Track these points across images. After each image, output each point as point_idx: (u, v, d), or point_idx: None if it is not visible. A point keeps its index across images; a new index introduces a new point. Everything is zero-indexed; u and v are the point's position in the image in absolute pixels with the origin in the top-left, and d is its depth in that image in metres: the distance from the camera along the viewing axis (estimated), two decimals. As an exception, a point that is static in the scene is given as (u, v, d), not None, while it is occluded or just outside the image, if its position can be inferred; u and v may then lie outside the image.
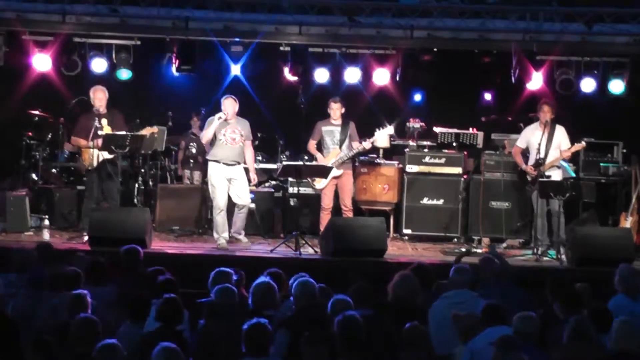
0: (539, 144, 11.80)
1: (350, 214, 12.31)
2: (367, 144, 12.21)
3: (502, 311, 6.88)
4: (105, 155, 11.81)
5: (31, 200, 12.75)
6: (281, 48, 13.24)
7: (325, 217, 12.17)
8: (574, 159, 12.70)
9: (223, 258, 10.81)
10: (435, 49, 13.19)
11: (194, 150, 13.73)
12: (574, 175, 12.48)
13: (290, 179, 13.04)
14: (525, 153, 12.19)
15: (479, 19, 12.86)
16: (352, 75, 13.46)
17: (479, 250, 12.15)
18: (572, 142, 12.00)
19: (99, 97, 11.95)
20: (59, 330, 6.41)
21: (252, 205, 12.75)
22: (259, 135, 13.55)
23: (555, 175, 11.91)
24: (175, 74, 13.35)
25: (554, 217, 11.80)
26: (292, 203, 13.11)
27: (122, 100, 13.30)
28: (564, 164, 12.17)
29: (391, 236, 12.86)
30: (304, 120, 12.75)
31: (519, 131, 13.24)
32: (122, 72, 13.56)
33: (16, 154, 13.48)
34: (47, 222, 12.16)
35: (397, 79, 13.41)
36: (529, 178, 12.05)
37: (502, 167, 12.91)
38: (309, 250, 11.43)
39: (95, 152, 11.78)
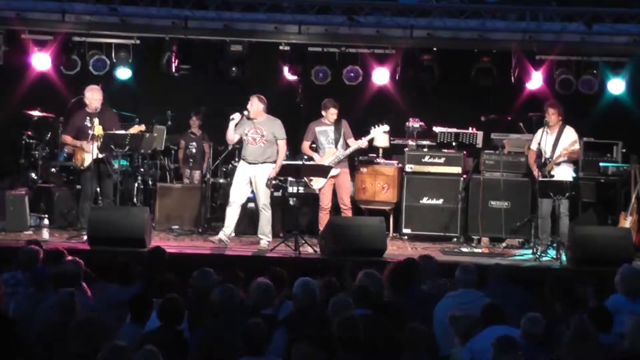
0: (545, 145, 11.82)
1: (349, 213, 12.30)
2: (362, 142, 12.20)
3: (502, 310, 6.88)
4: (96, 155, 11.80)
5: (30, 200, 12.74)
6: (281, 47, 13.25)
7: (324, 217, 12.16)
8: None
9: (222, 257, 10.83)
10: (434, 49, 13.20)
11: (193, 150, 13.74)
12: (574, 175, 12.48)
13: (289, 179, 13.02)
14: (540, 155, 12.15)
15: (479, 19, 12.87)
16: (351, 74, 13.45)
17: (479, 250, 12.20)
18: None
19: (95, 97, 11.93)
20: (58, 330, 6.42)
21: (252, 205, 12.73)
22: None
23: (562, 174, 11.88)
24: (175, 73, 13.36)
25: (560, 217, 11.80)
26: (291, 203, 13.11)
27: (121, 100, 13.32)
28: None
29: (391, 236, 12.86)
30: (304, 119, 12.75)
31: (518, 131, 13.29)
32: (121, 71, 13.58)
33: (16, 153, 13.49)
34: (46, 221, 12.16)
35: (397, 78, 13.42)
36: (536, 178, 12.03)
37: (502, 167, 12.91)
38: (308, 250, 11.43)
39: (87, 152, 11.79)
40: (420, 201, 13.07)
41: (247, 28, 13.08)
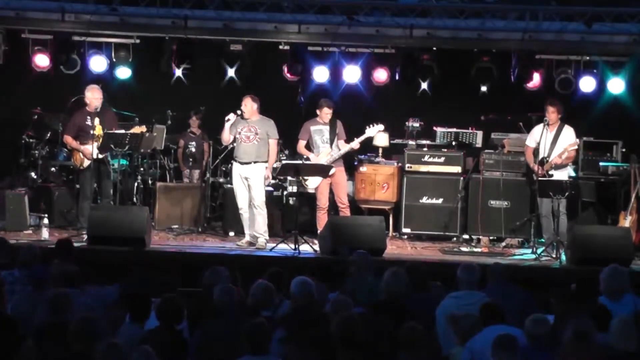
0: (544, 143, 11.82)
1: (347, 211, 12.30)
2: (354, 144, 12.20)
3: (501, 310, 6.87)
4: (97, 155, 11.79)
5: (30, 199, 12.74)
6: (280, 47, 13.24)
7: (321, 217, 12.16)
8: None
9: (222, 257, 10.83)
10: (434, 48, 13.20)
11: (193, 149, 13.73)
12: (573, 174, 12.49)
13: (289, 178, 13.02)
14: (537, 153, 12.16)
15: (479, 19, 12.86)
16: (351, 74, 13.46)
17: (478, 250, 12.21)
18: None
19: (96, 96, 11.93)
20: (57, 329, 6.41)
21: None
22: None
23: (560, 174, 11.89)
24: (176, 72, 13.36)
25: (558, 216, 11.80)
26: (291, 202, 13.10)
27: (120, 99, 13.32)
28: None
29: (390, 235, 12.86)
30: (303, 119, 12.75)
31: (518, 130, 13.28)
32: (121, 71, 13.58)
33: (15, 153, 13.48)
34: (46, 220, 12.15)
35: (397, 78, 13.42)
36: (534, 177, 12.04)
37: (502, 166, 12.91)
38: (308, 249, 11.43)
39: (89, 149, 11.76)
40: (420, 201, 13.07)
41: (246, 27, 13.08)
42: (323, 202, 12.28)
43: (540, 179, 11.74)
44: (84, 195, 12.04)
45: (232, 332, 6.47)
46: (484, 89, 13.38)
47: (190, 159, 13.77)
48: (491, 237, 12.85)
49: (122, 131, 11.84)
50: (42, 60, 13.26)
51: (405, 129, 13.48)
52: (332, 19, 12.92)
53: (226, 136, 11.87)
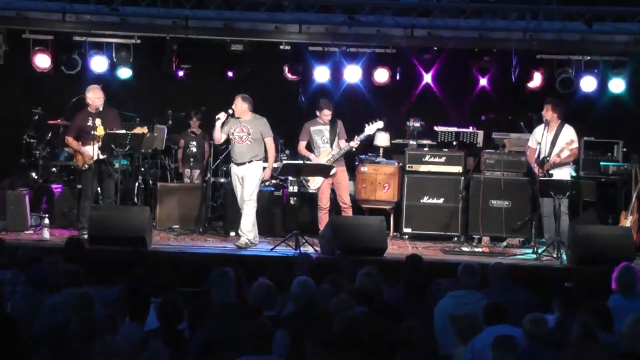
0: (544, 143, 11.82)
1: (349, 211, 12.30)
2: (354, 143, 12.20)
3: (504, 310, 6.87)
4: (98, 156, 11.79)
5: (31, 199, 12.74)
6: (281, 47, 13.25)
7: (323, 217, 12.17)
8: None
9: (222, 257, 10.83)
10: (435, 48, 13.20)
11: (193, 149, 13.72)
12: (573, 174, 12.49)
13: (290, 178, 13.02)
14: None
15: (479, 18, 12.86)
16: (352, 74, 13.47)
17: (479, 249, 12.21)
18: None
19: (97, 96, 11.92)
20: (58, 329, 6.41)
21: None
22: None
23: (561, 173, 11.88)
24: (177, 73, 13.37)
25: (560, 216, 11.80)
26: (291, 202, 13.09)
27: (121, 99, 13.32)
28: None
29: (391, 235, 12.86)
30: (304, 119, 12.75)
31: (519, 130, 13.28)
32: (122, 71, 13.58)
33: (16, 153, 13.47)
34: (47, 220, 12.16)
35: (397, 78, 13.42)
36: (536, 177, 12.03)
37: (502, 166, 12.90)
38: (308, 249, 11.43)
39: (89, 152, 11.77)
40: (421, 200, 13.07)
41: (247, 27, 13.09)
42: (324, 202, 12.28)
43: (541, 178, 11.73)
44: (86, 196, 12.03)
45: (233, 332, 6.47)
46: (484, 88, 13.39)
47: (191, 159, 13.76)
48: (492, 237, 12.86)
49: (123, 131, 11.84)
50: (42, 61, 13.27)
51: (406, 128, 13.48)
52: (333, 18, 12.93)
53: (217, 135, 11.87)
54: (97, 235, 11.01)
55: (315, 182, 12.23)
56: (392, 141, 13.35)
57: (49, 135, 13.46)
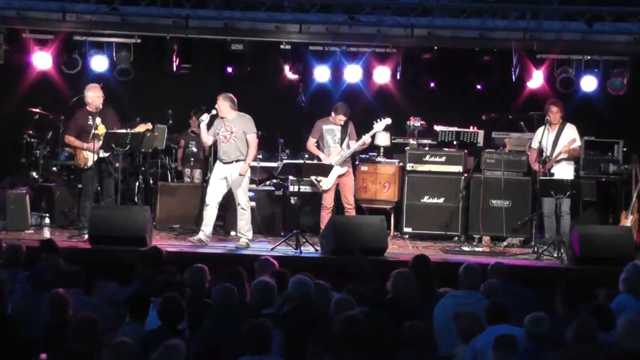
0: (546, 143, 11.83)
1: (352, 212, 12.30)
2: (366, 138, 12.21)
3: (505, 309, 6.87)
4: (100, 154, 11.80)
5: (31, 199, 12.75)
6: (281, 46, 13.25)
7: (326, 216, 12.16)
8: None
9: (223, 256, 10.84)
10: (435, 48, 13.21)
11: (194, 149, 13.74)
12: (574, 174, 12.48)
13: (290, 177, 13.02)
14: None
15: (480, 18, 12.87)
16: (352, 73, 13.48)
17: (479, 249, 12.21)
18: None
19: (96, 95, 11.92)
20: (58, 329, 6.42)
21: (252, 204, 12.75)
22: (259, 133, 13.55)
23: (563, 173, 11.88)
24: (176, 72, 13.37)
25: (562, 216, 11.79)
26: (292, 201, 13.09)
27: (121, 99, 13.32)
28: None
29: (391, 234, 12.85)
30: (304, 118, 12.75)
31: (519, 130, 13.29)
32: (122, 71, 13.58)
33: (16, 152, 13.48)
34: (47, 220, 12.16)
35: (398, 77, 13.43)
36: (537, 177, 12.02)
37: (503, 166, 12.90)
38: (309, 249, 11.43)
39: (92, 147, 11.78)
40: (421, 200, 13.07)
41: (247, 27, 13.10)
42: (328, 201, 12.28)
43: (542, 178, 11.73)
44: (86, 195, 12.02)
45: (233, 332, 6.47)
46: (484, 88, 13.39)
47: (192, 159, 13.77)
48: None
49: (124, 130, 11.84)
50: (43, 60, 13.27)
51: (406, 128, 13.47)
52: (333, 18, 12.94)
53: (205, 137, 11.86)
54: (97, 235, 11.01)
55: (327, 182, 12.21)
56: (393, 141, 13.34)
57: (50, 134, 13.46)
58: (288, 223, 12.87)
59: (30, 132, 13.52)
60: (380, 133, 12.72)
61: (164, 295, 6.83)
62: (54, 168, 13.55)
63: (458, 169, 13.10)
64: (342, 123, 12.25)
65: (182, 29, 12.93)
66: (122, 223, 11.06)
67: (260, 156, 13.47)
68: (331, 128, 12.33)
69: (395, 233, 13.14)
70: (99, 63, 13.44)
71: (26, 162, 13.46)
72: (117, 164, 11.94)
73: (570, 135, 11.94)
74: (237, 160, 11.68)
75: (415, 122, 13.39)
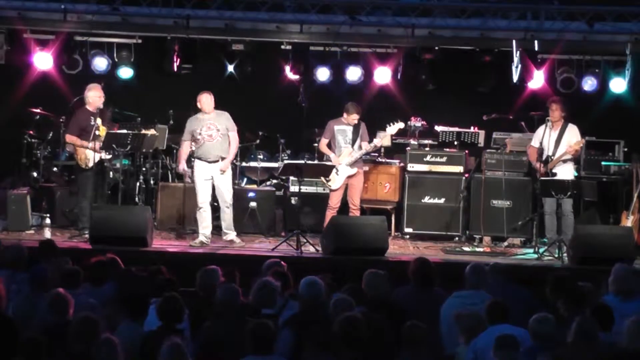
0: (548, 142, 11.82)
1: (357, 213, 12.25)
2: (378, 141, 12.23)
3: (506, 309, 6.86)
4: (103, 155, 11.80)
5: (32, 199, 12.75)
6: (282, 47, 13.26)
7: (330, 216, 12.13)
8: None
9: (223, 257, 10.82)
10: (436, 48, 13.21)
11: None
12: (575, 174, 12.48)
13: (291, 178, 13.01)
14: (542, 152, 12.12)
15: (480, 18, 12.87)
16: (353, 73, 13.48)
17: (480, 249, 12.20)
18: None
19: (98, 95, 11.91)
20: (57, 329, 6.42)
21: (253, 204, 12.76)
22: (260, 133, 13.56)
23: (564, 173, 11.87)
24: (177, 72, 13.38)
25: (564, 216, 11.78)
26: (293, 202, 13.09)
27: (122, 99, 13.32)
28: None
29: (392, 235, 12.85)
30: (305, 118, 12.75)
31: (520, 130, 13.28)
32: (123, 71, 13.59)
33: (17, 153, 13.48)
34: (48, 220, 12.16)
35: (398, 77, 13.42)
36: (538, 176, 12.02)
37: (504, 166, 12.90)
38: (310, 249, 11.43)
39: (92, 152, 11.77)
40: (422, 200, 13.06)
41: (248, 27, 13.11)
42: (335, 201, 12.24)
43: (542, 178, 11.72)
44: (83, 195, 11.98)
45: (234, 332, 6.47)
46: (485, 88, 13.40)
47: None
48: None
49: (124, 131, 11.84)
50: (44, 60, 13.28)
51: (407, 128, 13.45)
52: (334, 18, 12.94)
53: (182, 165, 11.95)
54: (98, 235, 11.01)
55: (335, 182, 12.19)
56: (394, 141, 13.34)
57: (50, 135, 13.46)
58: (289, 223, 12.87)
59: (31, 132, 13.52)
60: (381, 133, 12.71)
61: (163, 295, 6.83)
62: (55, 168, 13.55)
63: (459, 169, 13.10)
64: (356, 122, 12.21)
65: (183, 29, 12.94)
66: (123, 223, 11.06)
67: (261, 156, 13.49)
68: (343, 128, 12.28)
69: (396, 233, 13.14)
70: (100, 63, 13.45)
71: (27, 162, 13.46)
72: (117, 165, 11.94)
73: (574, 136, 11.93)
74: (222, 158, 11.68)
75: (416, 122, 13.39)
